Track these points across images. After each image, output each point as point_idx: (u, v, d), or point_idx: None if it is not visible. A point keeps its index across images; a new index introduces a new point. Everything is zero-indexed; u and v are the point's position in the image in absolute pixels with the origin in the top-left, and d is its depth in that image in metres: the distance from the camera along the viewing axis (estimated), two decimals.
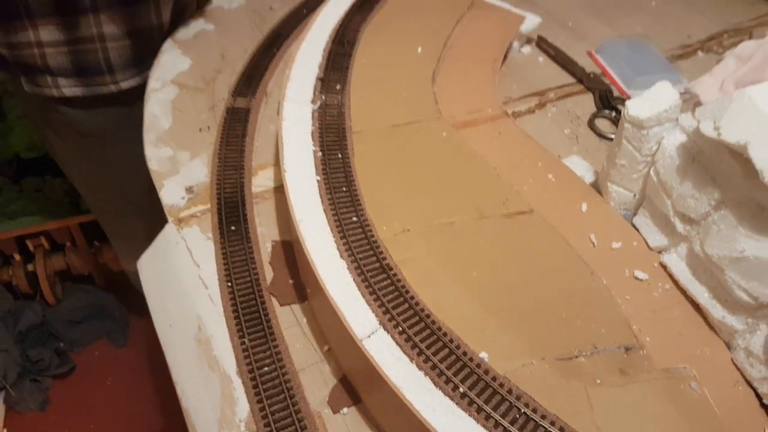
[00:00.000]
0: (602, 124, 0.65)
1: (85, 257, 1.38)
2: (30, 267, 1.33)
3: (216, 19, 0.75)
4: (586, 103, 0.68)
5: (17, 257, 1.34)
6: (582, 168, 0.57)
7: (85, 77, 0.73)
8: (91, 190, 0.93)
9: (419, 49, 0.66)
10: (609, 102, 0.66)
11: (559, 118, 0.66)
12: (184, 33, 0.73)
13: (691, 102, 0.52)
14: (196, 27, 0.74)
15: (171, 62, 0.68)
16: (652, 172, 0.47)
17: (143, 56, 0.73)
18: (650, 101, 0.46)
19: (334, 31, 0.67)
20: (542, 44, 0.76)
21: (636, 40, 0.76)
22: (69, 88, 0.73)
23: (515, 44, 0.76)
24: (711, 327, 0.43)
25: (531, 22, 0.74)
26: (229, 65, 0.68)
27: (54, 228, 1.32)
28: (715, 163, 0.42)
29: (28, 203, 1.26)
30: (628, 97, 0.66)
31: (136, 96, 0.68)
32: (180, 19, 0.76)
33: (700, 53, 0.76)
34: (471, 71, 0.67)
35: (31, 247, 1.34)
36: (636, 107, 0.46)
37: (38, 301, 1.36)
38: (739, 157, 0.39)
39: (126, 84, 0.75)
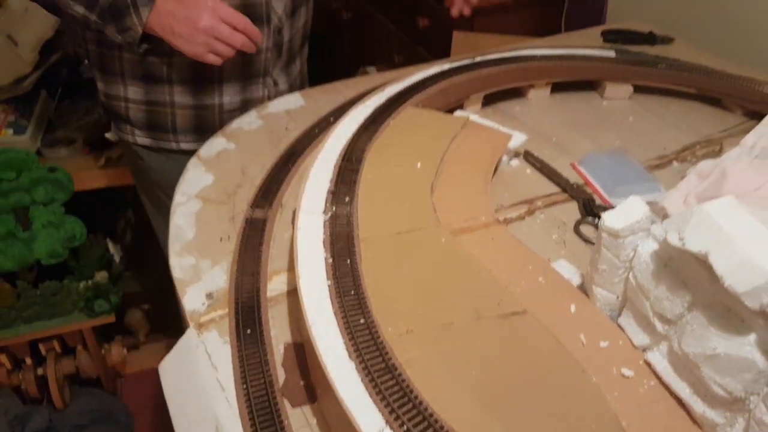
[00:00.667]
0: (587, 229, 0.71)
1: (95, 360, 1.40)
2: (40, 371, 1.35)
3: (237, 138, 0.84)
4: (572, 210, 0.74)
5: (28, 361, 1.36)
6: (569, 271, 0.62)
7: (154, 132, 0.99)
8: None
9: (419, 165, 0.74)
10: (592, 210, 0.72)
11: (546, 224, 0.72)
12: (208, 151, 0.81)
13: (661, 213, 0.58)
14: (218, 146, 0.82)
15: (196, 178, 0.75)
16: (630, 276, 0.52)
17: (203, 127, 0.98)
18: (624, 213, 0.51)
19: (343, 149, 0.75)
20: (529, 158, 0.84)
21: (616, 152, 0.84)
22: (141, 138, 1.00)
23: (504, 158, 0.83)
24: (694, 421, 0.46)
25: (518, 139, 0.82)
26: (248, 180, 0.75)
27: (67, 331, 1.35)
28: (684, 268, 0.47)
29: (45, 308, 1.30)
30: (611, 205, 0.73)
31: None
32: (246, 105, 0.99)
33: (675, 163, 0.84)
34: (465, 183, 0.74)
35: (43, 351, 1.36)
36: (611, 219, 0.51)
37: (46, 405, 1.36)
38: (704, 263, 0.44)
39: (186, 146, 1.00)
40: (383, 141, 0.78)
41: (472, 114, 0.91)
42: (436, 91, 0.93)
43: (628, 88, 0.99)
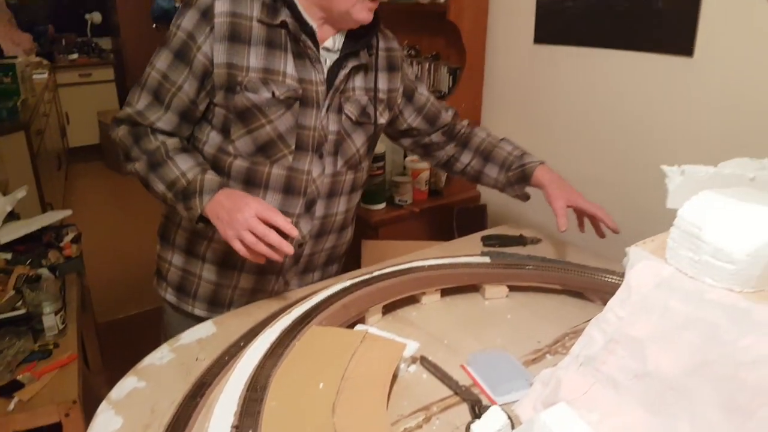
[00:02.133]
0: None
1: None
2: None
3: (148, 375, 0.88)
4: (464, 413, 0.82)
5: None
6: None
7: (180, 294, 1.21)
8: None
9: (321, 385, 0.81)
10: (479, 412, 0.80)
11: (442, 429, 0.79)
12: (118, 393, 0.84)
13: (516, 420, 0.66)
14: (129, 386, 0.86)
15: (104, 423, 0.78)
16: None
17: (216, 300, 1.19)
18: (488, 423, 0.60)
19: (249, 378, 0.81)
20: (424, 363, 0.94)
21: (497, 351, 0.95)
22: (170, 296, 1.23)
23: (403, 365, 0.92)
24: None
25: (412, 347, 0.92)
26: (157, 418, 0.78)
27: None
28: None
29: None
30: (495, 404, 0.81)
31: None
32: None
33: (548, 356, 0.95)
34: (365, 399, 0.81)
35: None
36: (478, 428, 0.60)
37: None
38: None
39: (198, 312, 1.20)
40: (288, 364, 0.86)
41: (372, 326, 1.01)
42: (339, 308, 1.04)
43: (504, 289, 1.14)
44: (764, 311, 0.62)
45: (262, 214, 0.96)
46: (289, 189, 1.12)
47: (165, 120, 1.07)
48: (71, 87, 4.70)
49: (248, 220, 0.96)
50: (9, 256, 1.53)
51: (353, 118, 1.14)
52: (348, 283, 1.12)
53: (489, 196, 2.03)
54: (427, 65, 2.10)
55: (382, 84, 1.18)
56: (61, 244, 1.64)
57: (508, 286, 1.15)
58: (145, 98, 1.07)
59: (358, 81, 1.14)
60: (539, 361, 0.94)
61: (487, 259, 1.20)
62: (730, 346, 0.60)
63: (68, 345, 1.30)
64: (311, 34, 1.06)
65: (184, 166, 1.04)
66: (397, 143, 1.37)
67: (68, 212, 1.82)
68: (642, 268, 0.72)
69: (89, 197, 4.20)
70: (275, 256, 0.97)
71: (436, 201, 1.98)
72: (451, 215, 1.97)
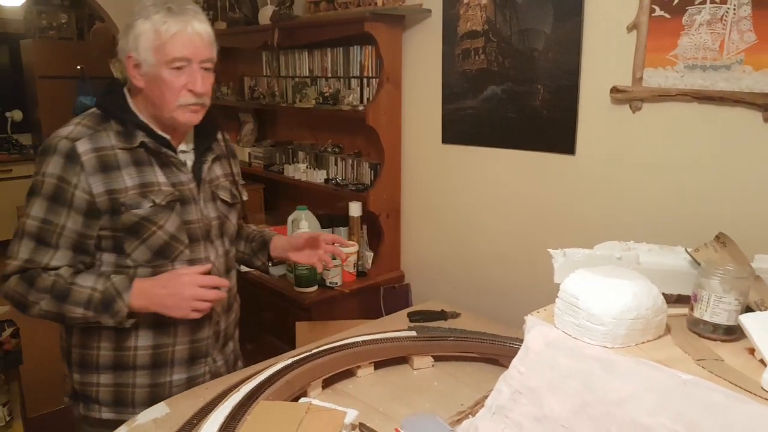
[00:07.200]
0: None
1: None
2: None
3: None
4: None
5: None
6: None
7: (118, 407, 1.21)
8: None
9: None
10: None
11: None
12: None
13: None
14: None
15: None
16: None
17: (156, 399, 1.18)
18: None
19: None
20: (363, 428, 1.05)
21: (426, 415, 1.09)
22: (107, 413, 1.21)
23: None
24: None
25: (351, 415, 1.04)
26: None
27: None
28: None
29: None
30: None
31: None
32: None
33: (470, 416, 1.10)
34: None
35: None
36: None
37: None
38: None
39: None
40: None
41: (314, 398, 1.12)
42: (283, 384, 1.14)
43: (429, 359, 1.29)
44: (627, 362, 0.81)
45: (200, 283, 1.11)
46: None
47: (59, 257, 1.12)
48: None
49: (194, 294, 1.10)
50: None
51: (228, 201, 1.29)
52: (289, 360, 1.23)
53: (412, 276, 2.21)
54: (350, 161, 2.31)
55: (235, 168, 1.36)
56: (0, 339, 1.63)
57: (434, 356, 1.30)
58: (27, 246, 1.11)
59: (218, 170, 1.30)
60: (463, 421, 1.08)
61: (413, 333, 1.36)
62: (603, 389, 0.78)
63: None
64: (168, 145, 1.18)
65: (89, 283, 1.10)
66: None
67: (5, 308, 1.81)
68: (536, 332, 0.90)
69: None
70: (221, 297, 1.17)
71: (363, 282, 2.13)
72: (378, 294, 2.12)
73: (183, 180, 1.20)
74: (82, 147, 1.11)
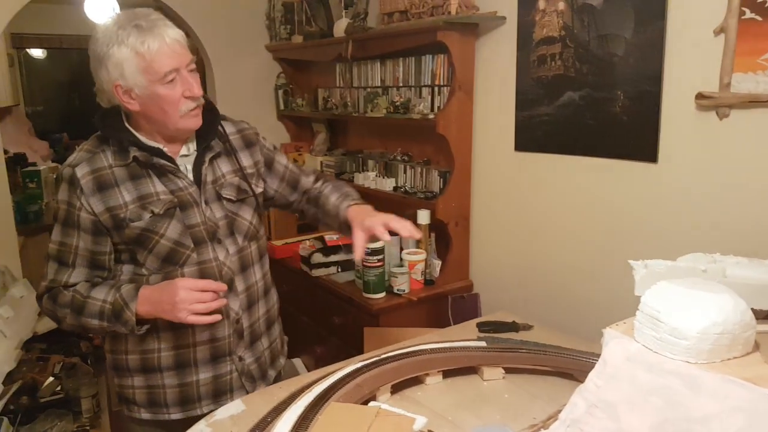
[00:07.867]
0: None
1: None
2: None
3: None
4: None
5: None
6: None
7: (153, 408, 1.28)
8: None
9: None
10: None
11: None
12: None
13: None
14: None
15: None
16: None
17: (187, 399, 1.27)
18: None
19: None
20: None
21: (498, 426, 1.07)
22: (145, 413, 1.29)
23: None
24: None
25: (420, 422, 1.04)
26: None
27: None
28: None
29: None
30: None
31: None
32: None
33: (542, 431, 1.07)
34: None
35: None
36: None
37: None
38: None
39: (175, 416, 1.28)
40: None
41: (383, 402, 1.13)
42: (353, 387, 1.16)
43: (500, 371, 1.27)
44: (712, 378, 0.77)
45: (191, 287, 1.14)
46: (206, 279, 1.23)
47: (76, 274, 1.21)
48: None
49: (186, 298, 1.13)
50: (44, 345, 1.65)
51: (233, 198, 1.30)
52: (359, 364, 1.24)
53: (481, 286, 2.18)
54: (419, 169, 2.32)
55: (246, 161, 1.34)
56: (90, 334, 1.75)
57: (505, 368, 1.28)
58: (51, 268, 1.22)
59: (224, 167, 1.30)
60: None
61: (483, 344, 1.34)
62: (685, 406, 0.74)
63: (103, 426, 1.39)
64: (161, 154, 1.21)
65: (101, 296, 1.18)
66: (266, 209, 1.49)
67: None
68: (614, 345, 0.87)
69: None
70: (221, 303, 1.17)
71: (431, 290, 2.13)
72: (446, 303, 2.11)
73: (181, 185, 1.23)
74: (81, 171, 1.18)
